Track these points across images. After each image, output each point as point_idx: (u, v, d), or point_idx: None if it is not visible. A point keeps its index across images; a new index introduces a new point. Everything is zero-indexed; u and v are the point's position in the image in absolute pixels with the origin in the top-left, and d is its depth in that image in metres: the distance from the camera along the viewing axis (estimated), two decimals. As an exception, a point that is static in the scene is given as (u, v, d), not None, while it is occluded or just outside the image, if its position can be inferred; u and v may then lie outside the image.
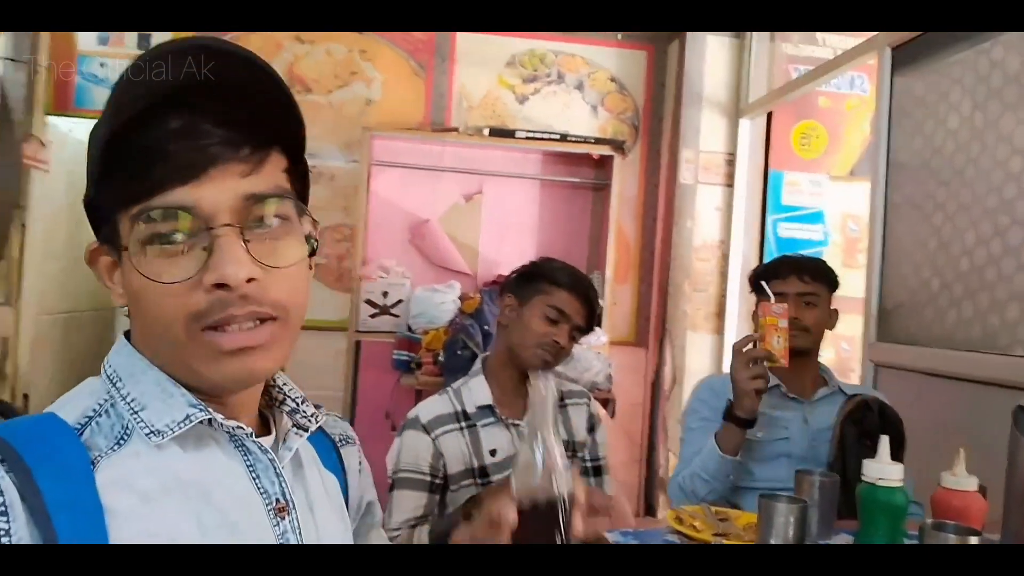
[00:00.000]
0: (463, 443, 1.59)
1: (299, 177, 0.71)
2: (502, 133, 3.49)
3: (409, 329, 3.39)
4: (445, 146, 3.53)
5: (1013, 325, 1.95)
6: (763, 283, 1.80)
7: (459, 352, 3.10)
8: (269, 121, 0.65)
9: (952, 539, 0.91)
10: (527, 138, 3.49)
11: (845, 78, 3.39)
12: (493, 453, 1.60)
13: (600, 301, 2.50)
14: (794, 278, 1.84)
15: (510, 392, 1.65)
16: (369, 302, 3.38)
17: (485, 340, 3.17)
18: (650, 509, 3.26)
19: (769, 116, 3.46)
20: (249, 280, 0.62)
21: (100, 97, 3.27)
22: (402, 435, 1.60)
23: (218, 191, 0.62)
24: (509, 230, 3.63)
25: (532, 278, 1.64)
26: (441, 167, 3.55)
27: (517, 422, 1.63)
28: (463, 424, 1.60)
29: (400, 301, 3.40)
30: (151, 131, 0.62)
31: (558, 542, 0.68)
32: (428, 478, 1.56)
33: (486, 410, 1.62)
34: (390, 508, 1.55)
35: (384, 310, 3.40)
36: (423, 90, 3.56)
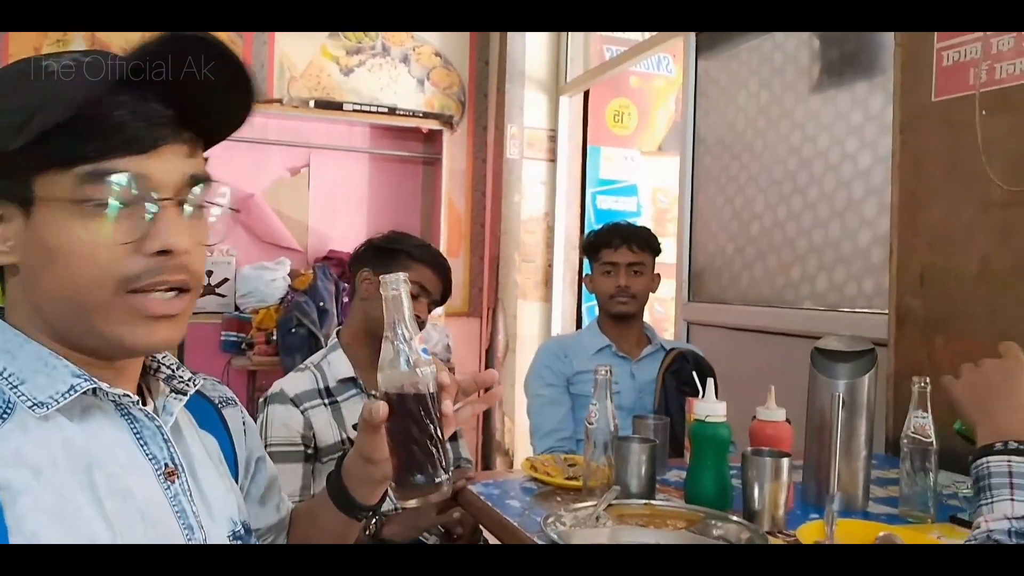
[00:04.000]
0: (329, 418, 1.60)
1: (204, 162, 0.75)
2: (329, 105, 3.42)
3: (237, 309, 3.27)
4: (268, 118, 3.41)
5: (797, 283, 2.27)
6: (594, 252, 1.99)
7: (293, 330, 3.04)
8: (220, 117, 0.70)
9: (768, 461, 1.09)
10: (355, 111, 3.45)
11: (653, 59, 3.67)
12: (355, 427, 1.63)
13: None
14: (624, 249, 2.02)
15: (369, 365, 1.68)
16: (192, 282, 3.21)
17: (320, 317, 3.13)
18: (488, 468, 3.42)
19: (586, 94, 3.67)
20: (186, 251, 0.66)
21: None
22: (268, 408, 1.59)
23: (168, 166, 0.66)
24: (339, 204, 3.59)
25: (392, 253, 1.67)
26: (264, 139, 3.42)
27: None
28: (326, 401, 1.62)
29: (226, 280, 3.27)
30: (107, 97, 0.63)
31: (432, 427, 0.72)
32: (302, 449, 1.57)
33: (349, 383, 1.64)
34: None
35: (209, 290, 3.25)
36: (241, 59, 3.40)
